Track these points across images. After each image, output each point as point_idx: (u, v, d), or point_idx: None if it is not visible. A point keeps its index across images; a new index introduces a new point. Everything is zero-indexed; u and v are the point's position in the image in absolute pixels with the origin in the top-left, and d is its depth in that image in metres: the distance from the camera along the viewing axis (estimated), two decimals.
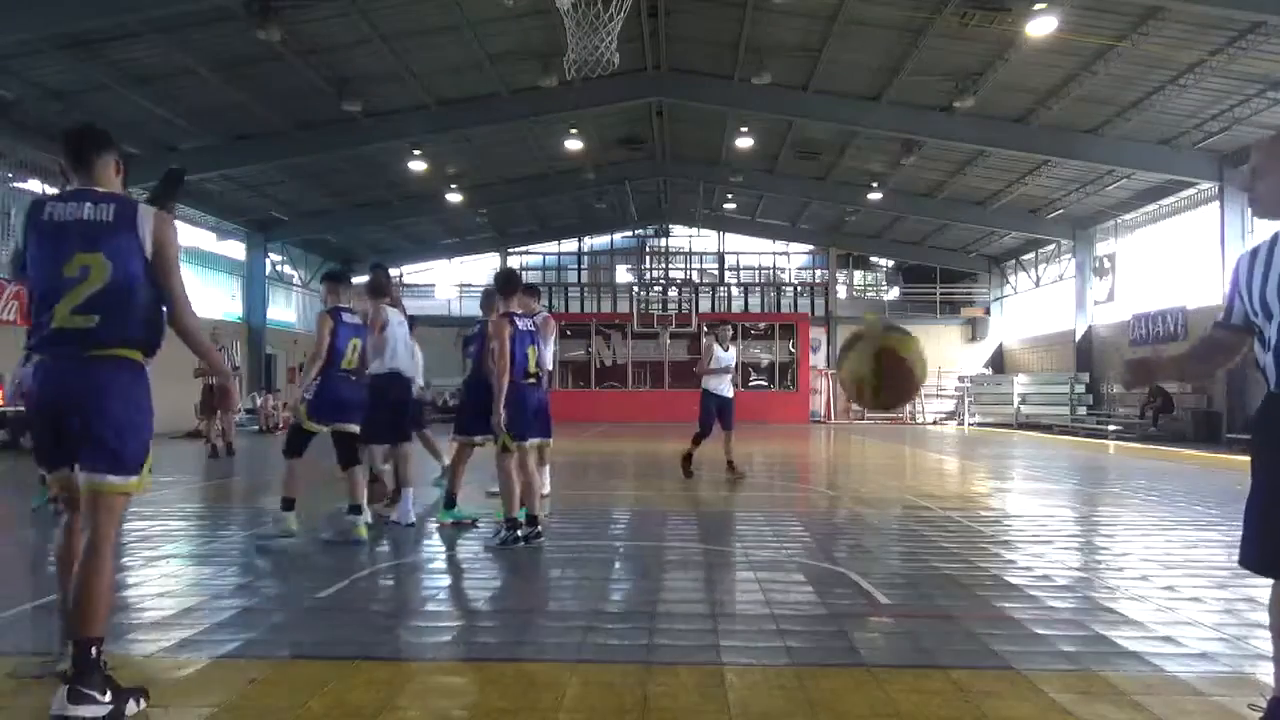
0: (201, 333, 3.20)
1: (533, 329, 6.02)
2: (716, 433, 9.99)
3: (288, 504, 5.95)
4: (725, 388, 10.00)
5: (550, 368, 7.24)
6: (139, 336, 2.93)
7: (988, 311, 31.12)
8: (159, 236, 2.94)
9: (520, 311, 6.06)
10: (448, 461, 7.52)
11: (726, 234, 33.33)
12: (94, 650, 2.70)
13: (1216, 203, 18.58)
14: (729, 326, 10.75)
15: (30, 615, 4.02)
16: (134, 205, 2.97)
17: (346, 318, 6.09)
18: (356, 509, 5.90)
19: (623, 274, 34.59)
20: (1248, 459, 2.79)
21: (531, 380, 5.92)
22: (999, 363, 30.43)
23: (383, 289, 6.80)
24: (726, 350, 10.05)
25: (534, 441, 6.02)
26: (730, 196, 29.31)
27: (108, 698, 2.67)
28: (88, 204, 2.89)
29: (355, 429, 6.07)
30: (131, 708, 2.75)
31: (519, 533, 5.71)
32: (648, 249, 34.51)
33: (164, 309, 3.00)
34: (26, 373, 2.97)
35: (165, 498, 8.52)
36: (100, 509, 2.83)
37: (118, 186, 3.10)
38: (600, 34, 9.20)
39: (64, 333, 2.84)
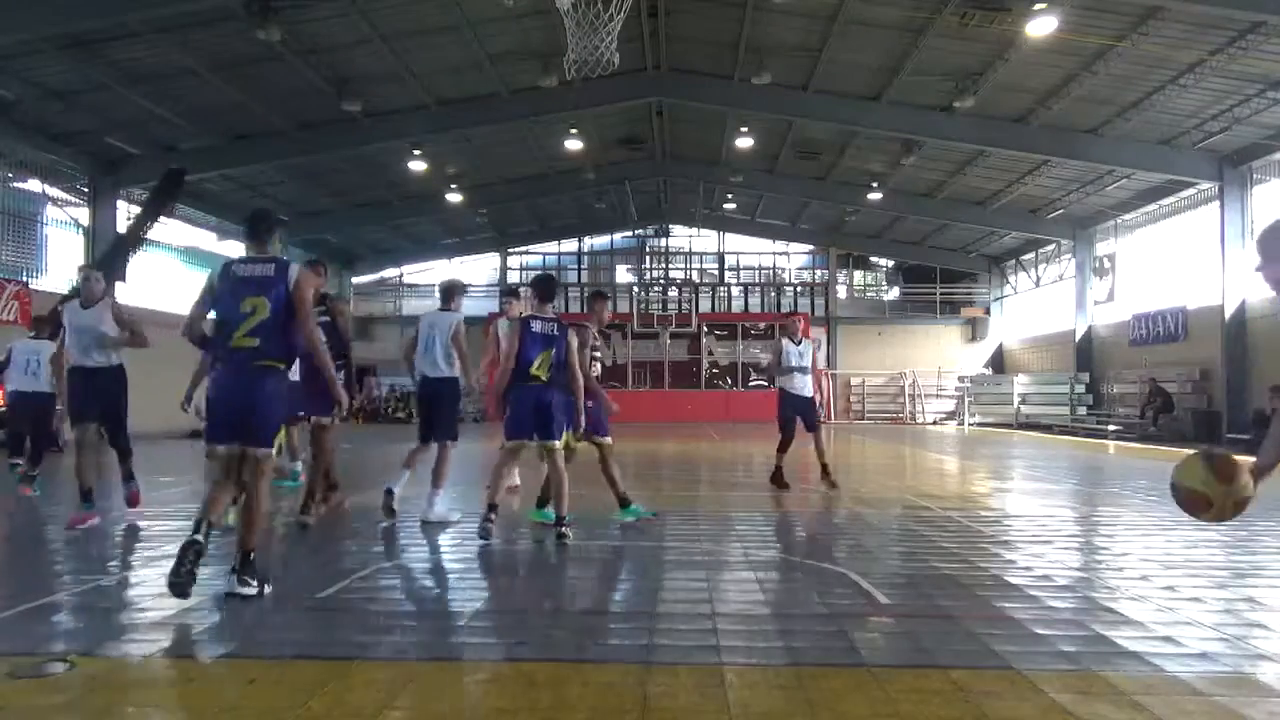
0: (320, 347, 4.71)
1: (553, 333, 6.01)
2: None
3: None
4: (802, 386, 8.98)
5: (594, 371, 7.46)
6: (282, 354, 4.37)
7: (988, 311, 31.12)
8: (298, 283, 4.34)
9: (541, 315, 6.10)
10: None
11: (726, 234, 33.32)
12: (250, 554, 4.29)
13: (1216, 203, 18.57)
14: (799, 319, 9.65)
15: (29, 615, 4.02)
16: (286, 264, 4.40)
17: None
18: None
19: (623, 274, 34.59)
20: (1247, 459, 2.79)
21: (534, 381, 5.92)
22: (999, 363, 30.42)
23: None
24: (799, 344, 9.09)
25: (521, 442, 6.06)
26: (730, 196, 29.30)
27: (255, 584, 4.26)
28: (257, 265, 4.37)
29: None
30: (266, 590, 4.27)
31: (484, 523, 5.76)
32: (648, 249, 34.51)
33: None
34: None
35: (165, 498, 8.52)
36: (256, 471, 4.33)
37: (277, 251, 4.62)
38: (600, 34, 9.20)
39: (238, 350, 4.27)
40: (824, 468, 8.86)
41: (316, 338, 4.61)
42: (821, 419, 9.20)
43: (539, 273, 7.62)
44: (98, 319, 6.62)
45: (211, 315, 4.42)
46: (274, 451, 4.41)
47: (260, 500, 4.36)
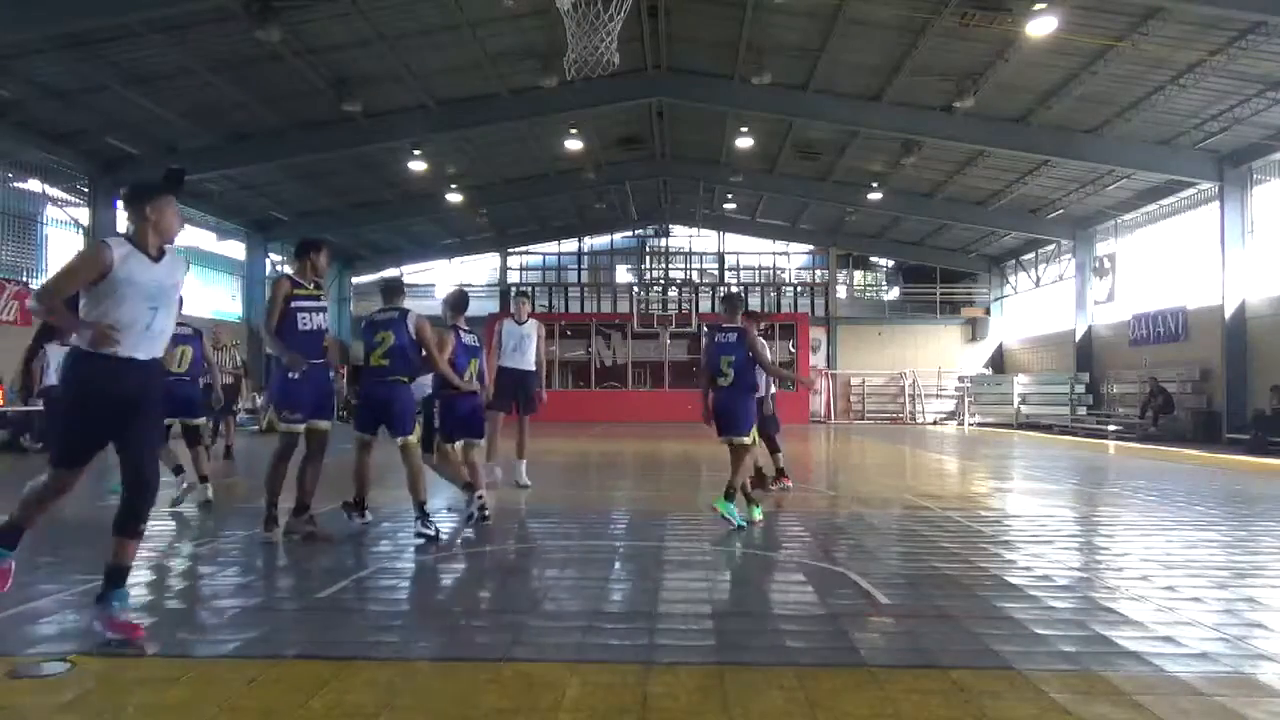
0: (442, 362, 6.57)
1: (475, 344, 7.15)
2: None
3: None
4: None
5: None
6: (406, 371, 6.25)
7: (988, 311, 31.11)
8: (417, 327, 6.26)
9: (465, 327, 7.13)
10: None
11: (726, 234, 33.32)
12: (423, 505, 5.98)
13: (1216, 203, 18.56)
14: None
15: (29, 615, 4.02)
16: (406, 312, 6.31)
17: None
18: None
19: (623, 274, 34.59)
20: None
21: (464, 390, 6.89)
22: (999, 363, 30.42)
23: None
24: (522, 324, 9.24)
25: (462, 443, 7.08)
26: (730, 196, 29.30)
27: (433, 529, 5.88)
28: (388, 313, 6.32)
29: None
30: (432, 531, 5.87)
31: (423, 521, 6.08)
32: (648, 249, 34.50)
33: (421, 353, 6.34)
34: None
35: (165, 497, 8.52)
36: (406, 453, 6.19)
37: (402, 303, 6.46)
38: (600, 34, 9.19)
39: (375, 369, 6.25)
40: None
41: (440, 359, 6.53)
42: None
43: (457, 289, 8.21)
44: None
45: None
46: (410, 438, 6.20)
47: (417, 472, 6.12)
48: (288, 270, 6.37)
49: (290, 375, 5.75)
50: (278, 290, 5.90)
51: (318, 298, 6.01)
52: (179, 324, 6.99)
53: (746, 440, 6.74)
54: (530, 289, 32.22)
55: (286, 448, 6.00)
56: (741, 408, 6.78)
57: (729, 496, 6.54)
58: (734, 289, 32.39)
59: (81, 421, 3.69)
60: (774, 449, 8.83)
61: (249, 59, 15.21)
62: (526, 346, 9.00)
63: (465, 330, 7.05)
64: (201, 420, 8.32)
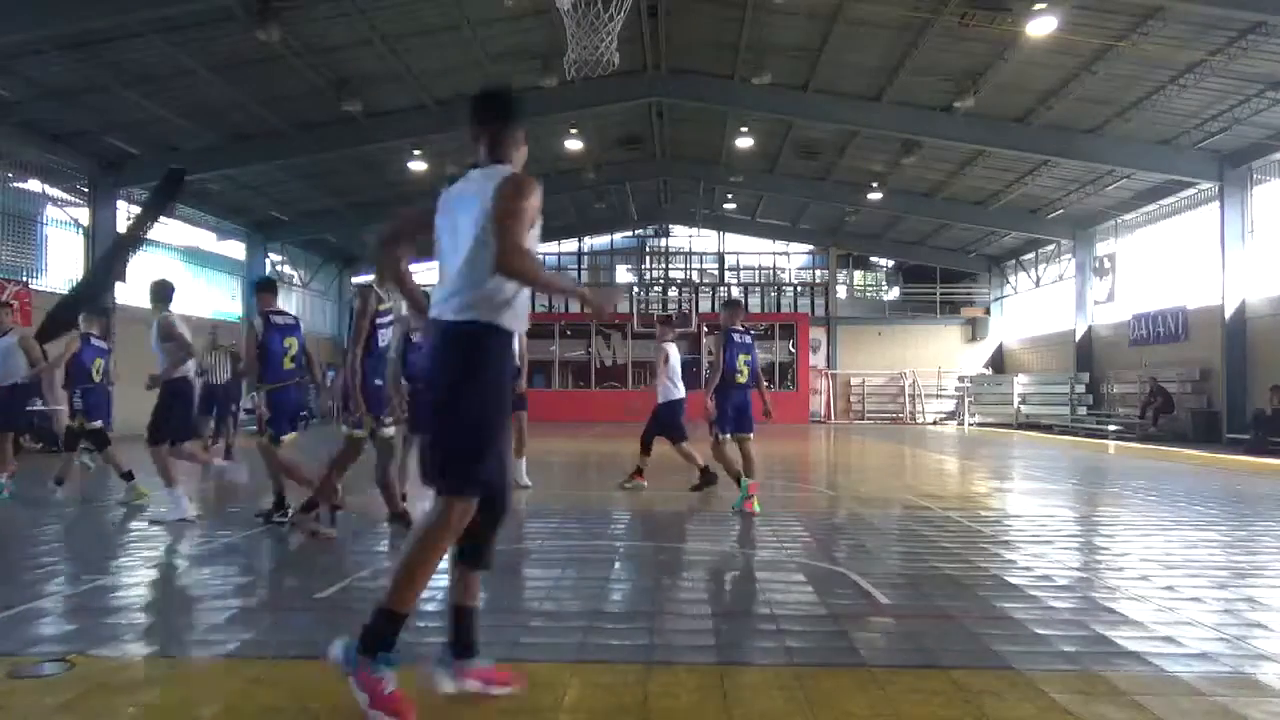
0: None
1: (294, 323, 6.71)
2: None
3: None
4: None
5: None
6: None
7: (988, 311, 31.12)
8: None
9: (277, 309, 6.76)
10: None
11: (726, 234, 33.31)
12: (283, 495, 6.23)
13: (1216, 203, 18.56)
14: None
15: (30, 615, 4.02)
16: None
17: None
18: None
19: (623, 274, 34.58)
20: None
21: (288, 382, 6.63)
22: (999, 363, 30.42)
23: None
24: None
25: (290, 436, 6.79)
26: (730, 196, 29.29)
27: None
28: (287, 317, 6.46)
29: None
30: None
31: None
32: (648, 249, 34.49)
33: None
34: None
35: (165, 498, 8.52)
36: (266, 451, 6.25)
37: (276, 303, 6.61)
38: (600, 34, 9.19)
39: (288, 372, 6.42)
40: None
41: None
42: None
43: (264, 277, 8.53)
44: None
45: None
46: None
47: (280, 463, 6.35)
48: (364, 281, 6.20)
49: (377, 382, 5.89)
50: (367, 302, 5.86)
51: (391, 311, 6.10)
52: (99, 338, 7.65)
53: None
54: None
55: (353, 453, 6.07)
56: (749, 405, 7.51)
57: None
58: (734, 290, 32.44)
59: (499, 416, 2.87)
60: (647, 451, 9.10)
61: (249, 59, 15.20)
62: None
63: (275, 313, 6.75)
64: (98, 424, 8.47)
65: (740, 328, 7.63)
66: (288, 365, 6.56)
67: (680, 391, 8.85)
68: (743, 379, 7.36)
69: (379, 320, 5.90)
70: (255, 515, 6.74)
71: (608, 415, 26.59)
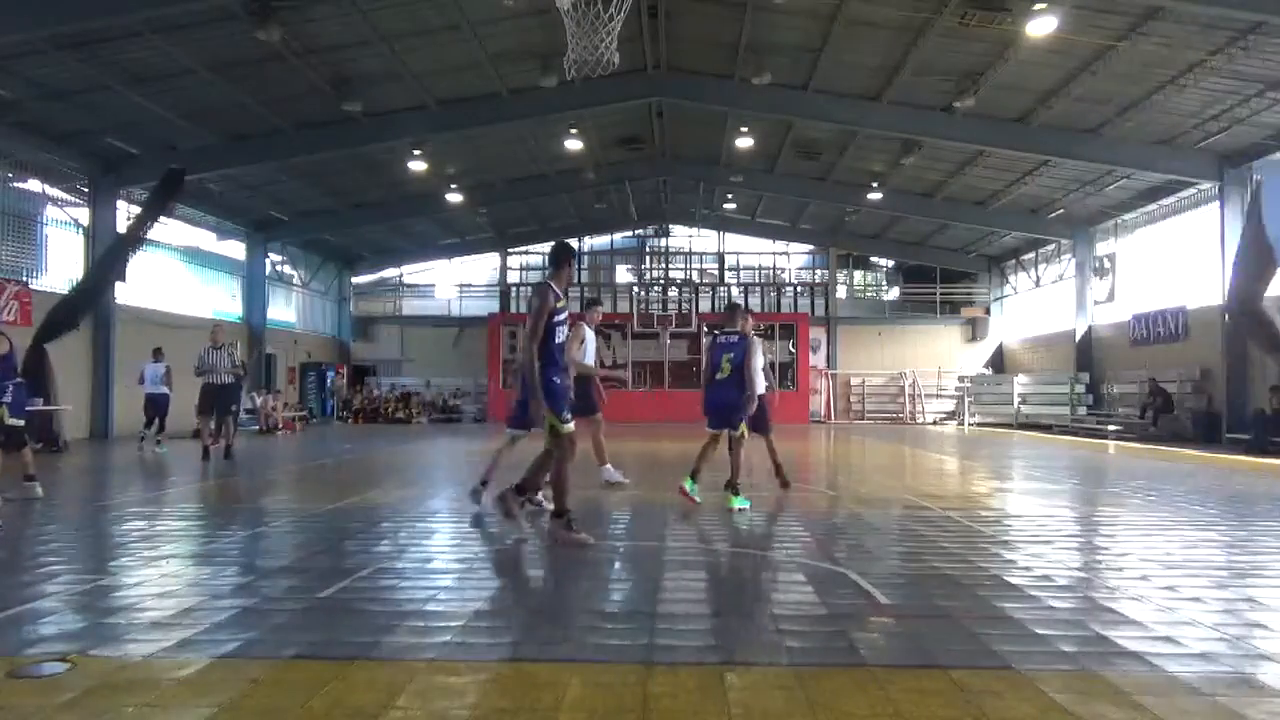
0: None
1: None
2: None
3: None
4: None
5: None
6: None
7: (988, 311, 31.11)
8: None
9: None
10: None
11: (726, 234, 33.31)
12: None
13: (1216, 203, 18.55)
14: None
15: (29, 615, 4.02)
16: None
17: None
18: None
19: (623, 274, 34.58)
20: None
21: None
22: (999, 363, 30.42)
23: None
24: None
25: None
26: (730, 196, 29.29)
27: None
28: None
29: None
30: None
31: None
32: (648, 249, 34.49)
33: None
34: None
35: (165, 498, 8.53)
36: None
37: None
38: (600, 34, 9.18)
39: None
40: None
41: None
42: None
43: None
44: None
45: None
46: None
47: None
48: (545, 280, 6.07)
49: (556, 380, 5.86)
50: (545, 301, 5.78)
51: (565, 310, 6.02)
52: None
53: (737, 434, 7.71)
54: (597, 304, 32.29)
55: (572, 448, 5.99)
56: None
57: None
58: (734, 290, 32.45)
59: None
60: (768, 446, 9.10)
61: (249, 59, 15.21)
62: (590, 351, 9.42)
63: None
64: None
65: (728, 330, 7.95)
66: None
67: (763, 386, 8.79)
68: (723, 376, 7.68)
69: (555, 319, 5.85)
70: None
71: (608, 415, 26.46)
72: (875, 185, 24.28)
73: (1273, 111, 15.50)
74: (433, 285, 34.22)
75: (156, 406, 14.87)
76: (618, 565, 5.39)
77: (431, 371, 30.85)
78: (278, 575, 5.01)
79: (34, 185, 17.88)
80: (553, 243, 6.63)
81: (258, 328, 25.37)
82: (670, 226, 33.61)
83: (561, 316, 5.92)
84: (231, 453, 12.93)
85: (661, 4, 16.14)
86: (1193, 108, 16.26)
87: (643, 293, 30.79)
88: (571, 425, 5.94)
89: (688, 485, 7.71)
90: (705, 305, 31.43)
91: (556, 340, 5.89)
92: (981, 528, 6.81)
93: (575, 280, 7.23)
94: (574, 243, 33.38)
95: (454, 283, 33.87)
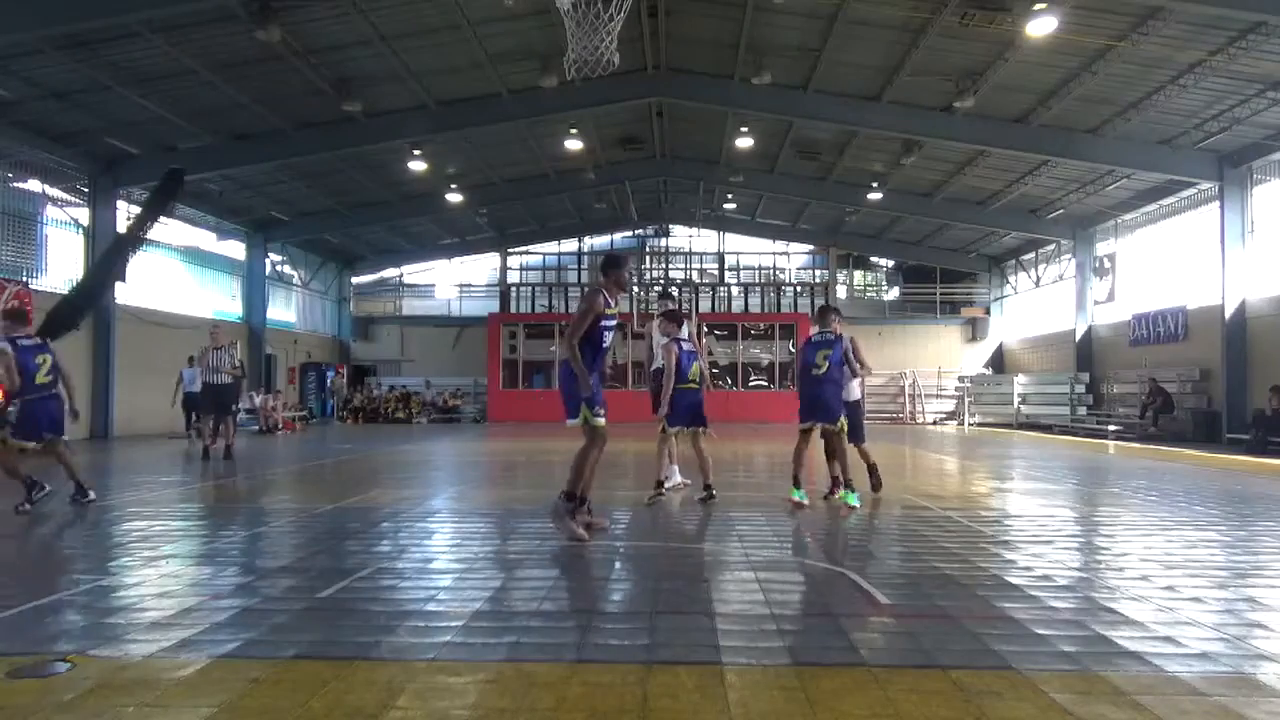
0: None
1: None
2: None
3: None
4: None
5: None
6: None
7: (988, 311, 31.11)
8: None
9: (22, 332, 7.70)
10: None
11: (726, 234, 33.32)
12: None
13: (1216, 203, 18.56)
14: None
15: (29, 615, 4.02)
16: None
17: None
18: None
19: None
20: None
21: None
22: (999, 363, 30.42)
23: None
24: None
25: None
26: (730, 196, 29.29)
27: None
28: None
29: None
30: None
31: None
32: (648, 249, 34.51)
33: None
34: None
35: (165, 498, 8.53)
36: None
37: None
38: (600, 34, 9.18)
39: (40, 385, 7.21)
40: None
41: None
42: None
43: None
44: None
45: None
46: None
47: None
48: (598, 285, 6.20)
49: (593, 377, 6.05)
50: (593, 304, 5.94)
51: (615, 316, 6.15)
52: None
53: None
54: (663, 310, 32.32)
55: (602, 440, 6.22)
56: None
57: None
58: (734, 290, 32.42)
59: None
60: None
61: (249, 59, 15.21)
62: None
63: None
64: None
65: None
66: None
67: (858, 392, 9.06)
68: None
69: (604, 323, 6.01)
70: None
71: (608, 415, 26.51)
72: (875, 185, 24.28)
73: (1273, 111, 15.50)
74: (433, 285, 34.22)
75: (196, 404, 15.92)
76: (618, 565, 5.40)
77: (431, 371, 30.84)
78: (278, 575, 5.01)
79: (34, 185, 17.88)
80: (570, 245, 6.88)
81: (258, 328, 25.37)
82: (670, 226, 33.61)
83: (611, 322, 6.08)
84: (231, 452, 12.94)
85: (661, 4, 16.15)
86: (1193, 108, 16.26)
87: (643, 293, 30.77)
88: (603, 420, 6.16)
89: (795, 495, 7.72)
90: (705, 305, 31.44)
91: (605, 344, 6.11)
92: (981, 528, 6.81)
93: (625, 286, 6.74)
94: (574, 243, 33.75)
95: (454, 283, 33.87)
